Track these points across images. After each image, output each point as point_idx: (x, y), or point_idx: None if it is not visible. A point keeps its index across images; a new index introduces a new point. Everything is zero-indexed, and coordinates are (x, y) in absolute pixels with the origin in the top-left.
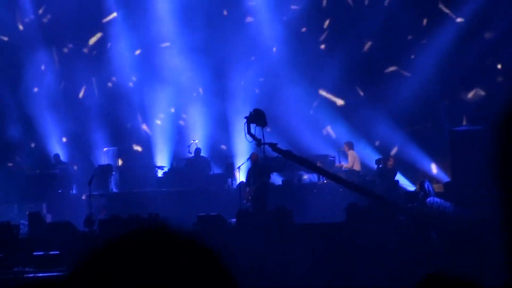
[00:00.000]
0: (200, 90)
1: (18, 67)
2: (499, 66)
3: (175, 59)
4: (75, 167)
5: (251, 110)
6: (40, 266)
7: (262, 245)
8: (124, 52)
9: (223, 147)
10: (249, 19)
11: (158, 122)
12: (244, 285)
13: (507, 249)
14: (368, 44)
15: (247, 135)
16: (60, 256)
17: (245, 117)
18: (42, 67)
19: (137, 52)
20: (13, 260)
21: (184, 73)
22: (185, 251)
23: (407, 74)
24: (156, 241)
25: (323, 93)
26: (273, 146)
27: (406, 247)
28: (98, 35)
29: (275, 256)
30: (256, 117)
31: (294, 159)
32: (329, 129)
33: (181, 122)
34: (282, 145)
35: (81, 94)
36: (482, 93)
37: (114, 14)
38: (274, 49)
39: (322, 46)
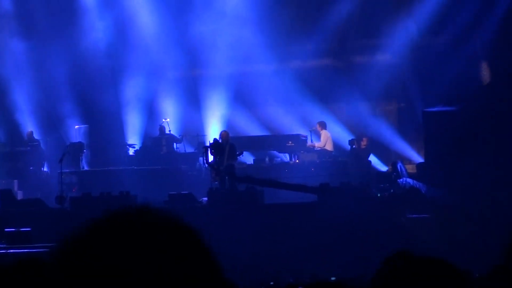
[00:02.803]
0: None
1: None
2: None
3: (148, 41)
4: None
5: (211, 141)
6: (12, 242)
7: (233, 224)
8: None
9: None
10: None
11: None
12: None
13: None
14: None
15: (206, 165)
16: (31, 233)
17: (204, 147)
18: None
19: None
20: None
21: (157, 55)
22: (166, 231)
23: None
24: (138, 221)
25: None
26: (231, 175)
27: (379, 227)
28: None
29: (246, 235)
30: (215, 147)
31: (256, 183)
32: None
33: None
34: (253, 125)
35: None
36: None
37: None
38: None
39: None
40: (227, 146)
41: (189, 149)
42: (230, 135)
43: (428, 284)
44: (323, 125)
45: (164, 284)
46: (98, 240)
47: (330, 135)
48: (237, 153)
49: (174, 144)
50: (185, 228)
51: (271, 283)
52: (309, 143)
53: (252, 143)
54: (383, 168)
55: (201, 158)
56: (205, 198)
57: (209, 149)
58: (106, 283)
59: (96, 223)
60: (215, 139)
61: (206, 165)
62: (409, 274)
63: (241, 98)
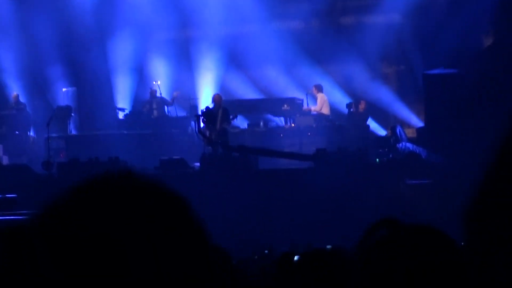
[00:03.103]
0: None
1: None
2: None
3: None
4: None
5: (203, 109)
6: None
7: (226, 191)
8: None
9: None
10: None
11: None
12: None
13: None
14: None
15: (198, 134)
16: (17, 199)
17: (195, 115)
18: None
19: None
20: None
21: (147, 14)
22: (151, 198)
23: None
24: (121, 187)
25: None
26: (224, 145)
27: (377, 194)
28: None
29: (239, 202)
30: (207, 115)
31: (249, 152)
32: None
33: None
34: (248, 87)
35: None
36: None
37: None
38: None
39: None
40: (220, 109)
41: (181, 113)
42: (223, 98)
43: (416, 253)
44: (320, 88)
45: (151, 252)
46: (80, 207)
47: (326, 99)
48: (231, 117)
49: (166, 107)
50: (172, 195)
51: (266, 251)
52: (305, 106)
53: (246, 106)
54: (382, 132)
55: (192, 123)
56: (198, 164)
57: (201, 117)
58: (90, 251)
59: (78, 189)
60: (207, 107)
61: (198, 133)
62: (395, 242)
63: (235, 59)
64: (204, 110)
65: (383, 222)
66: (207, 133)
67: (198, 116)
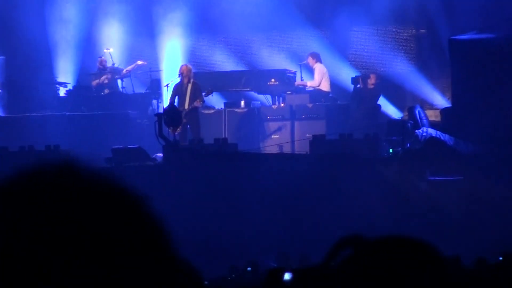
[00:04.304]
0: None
1: None
2: None
3: None
4: None
5: (165, 108)
6: None
7: (196, 189)
8: None
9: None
10: None
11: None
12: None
13: None
14: None
15: (158, 137)
16: None
17: (156, 114)
18: None
19: None
20: None
21: None
22: (95, 195)
23: None
24: (59, 183)
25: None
26: (194, 151)
27: (391, 193)
28: None
29: (212, 203)
30: (170, 116)
31: (227, 158)
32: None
33: None
34: (225, 57)
35: None
36: None
37: None
38: None
39: None
40: (189, 85)
41: (139, 89)
42: (194, 70)
43: (383, 272)
44: (317, 57)
45: (95, 262)
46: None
47: (326, 71)
48: (203, 93)
49: (120, 82)
50: (126, 193)
51: (248, 268)
52: (298, 81)
53: (222, 81)
54: (397, 115)
55: (152, 104)
56: (160, 155)
57: (163, 116)
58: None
59: (2, 186)
60: (171, 104)
61: (158, 137)
62: (361, 262)
63: (209, 22)
64: (167, 107)
65: (347, 241)
66: (171, 136)
67: (159, 115)
